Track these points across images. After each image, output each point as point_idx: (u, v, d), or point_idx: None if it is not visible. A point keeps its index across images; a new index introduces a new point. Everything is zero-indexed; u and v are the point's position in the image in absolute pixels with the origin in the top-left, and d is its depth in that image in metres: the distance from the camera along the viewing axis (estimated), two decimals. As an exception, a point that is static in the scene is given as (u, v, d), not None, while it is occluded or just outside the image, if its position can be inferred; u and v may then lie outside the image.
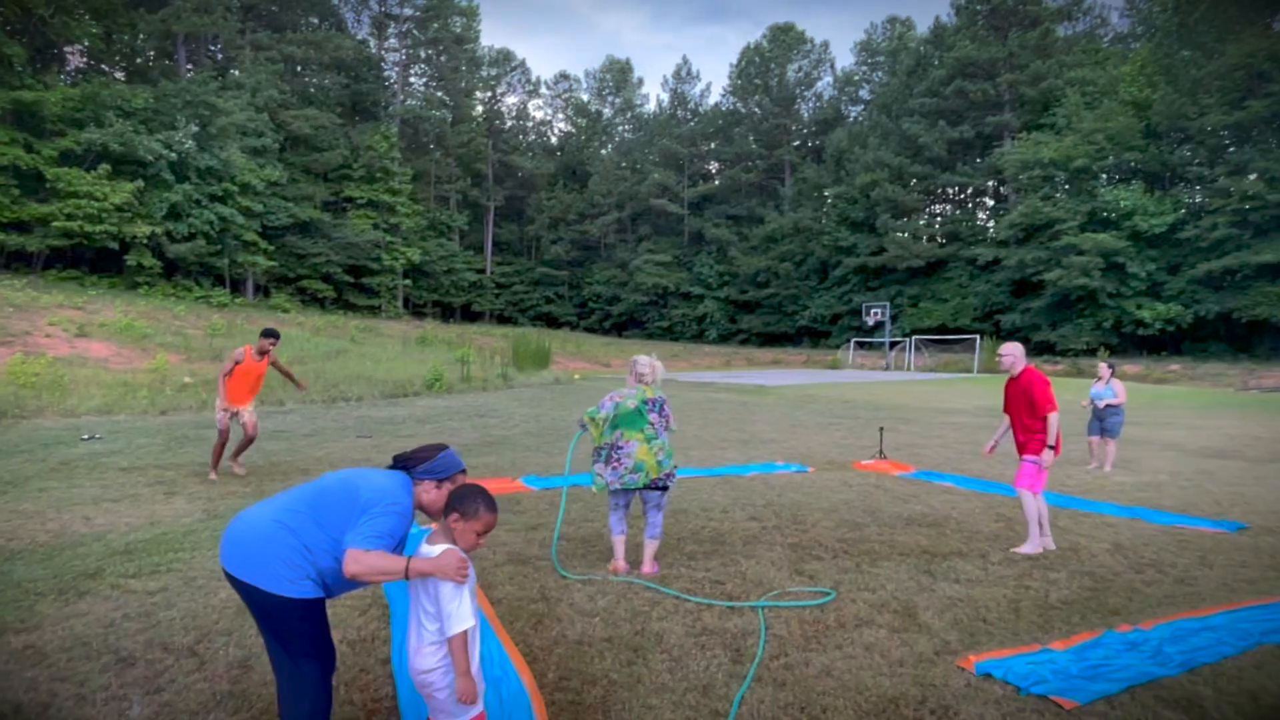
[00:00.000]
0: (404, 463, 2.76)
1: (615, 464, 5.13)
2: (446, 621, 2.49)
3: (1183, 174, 38.38)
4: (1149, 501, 7.99)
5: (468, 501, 2.65)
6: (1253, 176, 34.15)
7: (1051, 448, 5.92)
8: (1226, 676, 3.72)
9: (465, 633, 2.50)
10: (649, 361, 5.36)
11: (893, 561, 5.59)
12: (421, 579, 2.55)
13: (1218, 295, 34.83)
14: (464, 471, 2.83)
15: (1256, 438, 14.00)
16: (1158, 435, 14.09)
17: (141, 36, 38.79)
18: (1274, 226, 33.46)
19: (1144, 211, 36.33)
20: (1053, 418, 5.88)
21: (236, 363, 8.34)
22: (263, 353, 8.47)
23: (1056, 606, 4.70)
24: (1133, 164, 39.00)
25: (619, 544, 5.26)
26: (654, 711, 3.27)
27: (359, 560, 2.45)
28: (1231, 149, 36.87)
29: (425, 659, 2.54)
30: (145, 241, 31.82)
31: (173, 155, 31.53)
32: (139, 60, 40.76)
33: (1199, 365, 33.56)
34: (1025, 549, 5.91)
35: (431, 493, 2.73)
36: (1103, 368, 10.57)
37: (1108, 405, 10.14)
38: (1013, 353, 6.16)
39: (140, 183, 30.52)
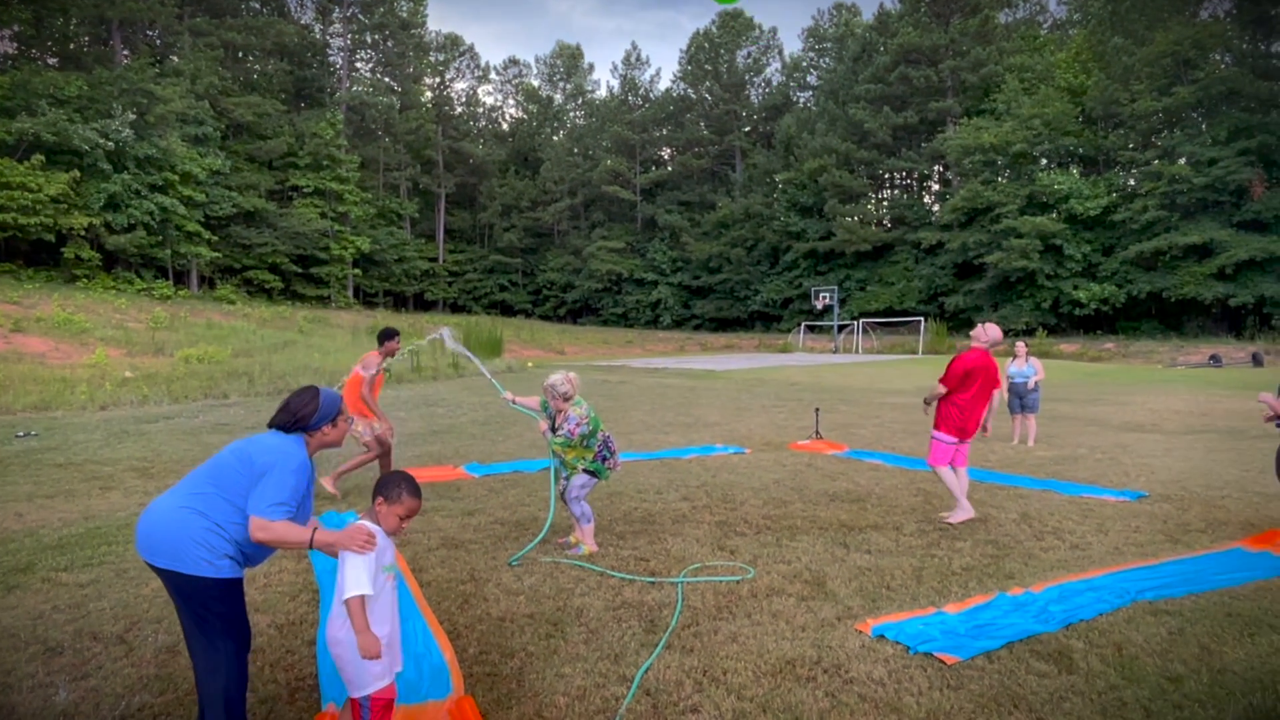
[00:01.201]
0: (295, 422, 2.87)
1: (615, 452, 5.59)
2: (343, 585, 2.65)
3: (1116, 158, 39.66)
4: (1063, 474, 8.43)
5: (391, 486, 2.82)
6: (1181, 160, 35.47)
7: (927, 402, 6.44)
8: (1099, 630, 4.06)
9: (362, 597, 2.64)
10: (564, 377, 5.47)
11: (811, 535, 5.88)
12: (326, 549, 2.70)
13: (1149, 275, 36.16)
14: (341, 398, 3.01)
15: (1176, 411, 14.71)
16: (1084, 411, 14.71)
17: (74, 22, 37.54)
18: (1200, 209, 34.85)
19: (1079, 195, 37.50)
20: (939, 388, 6.30)
21: (378, 373, 7.34)
22: (389, 354, 7.46)
23: (956, 573, 5.01)
24: (1069, 148, 40.18)
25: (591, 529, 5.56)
26: (566, 680, 3.48)
27: (266, 529, 2.60)
28: (1162, 134, 38.20)
29: (335, 630, 2.70)
30: (83, 233, 30.99)
31: (110, 144, 30.70)
32: (72, 46, 39.43)
33: (1131, 343, 34.91)
34: (957, 516, 6.28)
35: (331, 433, 2.93)
36: (1019, 346, 11.09)
37: (1029, 383, 10.60)
38: (983, 336, 6.53)
39: (76, 173, 29.67)
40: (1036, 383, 10.66)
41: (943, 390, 6.28)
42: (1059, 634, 4.00)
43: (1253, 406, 14.83)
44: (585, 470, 5.47)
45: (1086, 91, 39.83)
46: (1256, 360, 27.89)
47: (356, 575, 2.64)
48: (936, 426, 6.35)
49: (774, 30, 63.43)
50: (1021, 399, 10.66)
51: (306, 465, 2.81)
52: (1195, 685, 3.44)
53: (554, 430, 5.47)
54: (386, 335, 7.45)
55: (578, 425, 5.33)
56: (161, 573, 2.66)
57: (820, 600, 4.50)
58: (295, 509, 2.71)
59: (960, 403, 6.29)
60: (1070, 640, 3.93)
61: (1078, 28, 46.73)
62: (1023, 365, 10.76)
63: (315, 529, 2.67)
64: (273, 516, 2.62)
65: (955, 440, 6.30)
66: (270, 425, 2.90)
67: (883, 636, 3.97)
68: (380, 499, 2.81)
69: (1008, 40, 47.01)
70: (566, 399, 5.41)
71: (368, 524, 2.76)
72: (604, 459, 5.51)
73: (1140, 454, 9.77)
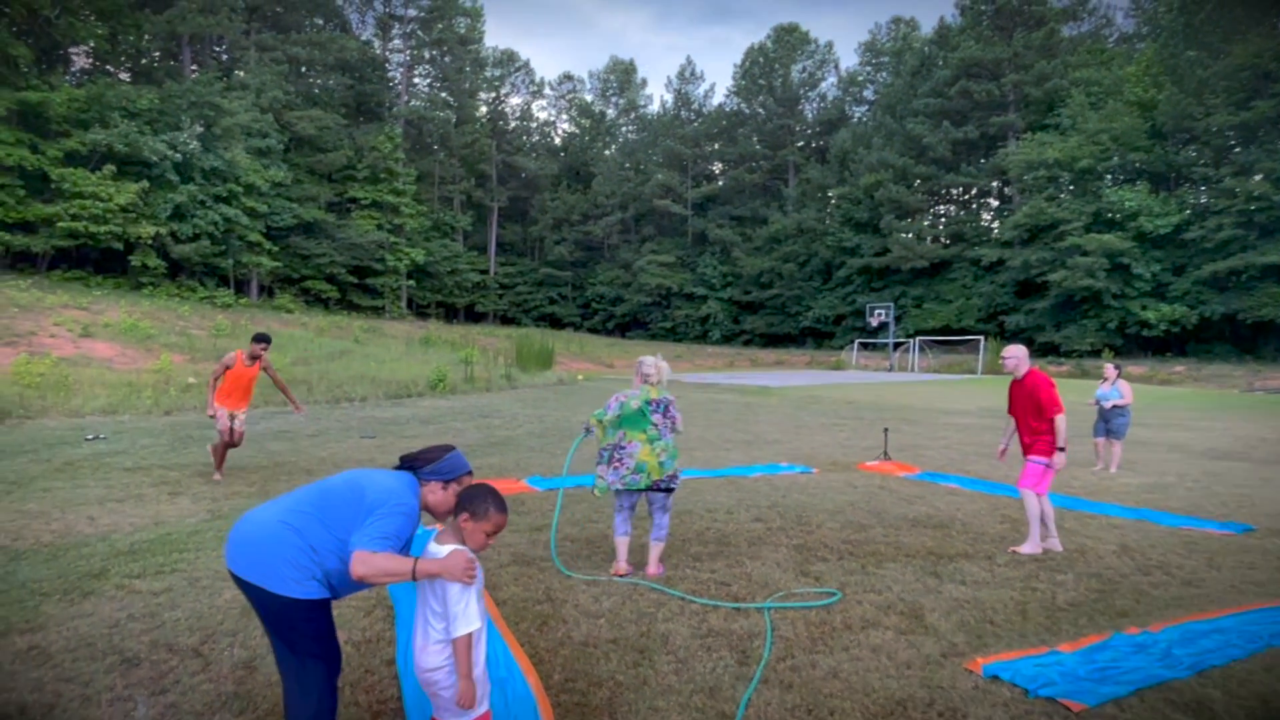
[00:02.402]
0: (410, 464, 2.75)
1: (617, 465, 5.12)
2: (453, 622, 2.49)
3: (1188, 175, 38.28)
4: (1155, 503, 7.96)
5: (477, 501, 2.64)
6: (1258, 177, 34.06)
7: (1062, 449, 5.90)
8: (1236, 679, 3.70)
9: (470, 634, 2.49)
10: (654, 361, 5.31)
11: (898, 563, 5.57)
12: (429, 579, 2.54)
13: (1223, 296, 34.72)
14: (470, 473, 2.81)
15: (1263, 439, 13.95)
16: (1163, 437, 14.04)
17: (146, 37, 38.82)
18: (1279, 228, 33.36)
19: (1149, 212, 36.23)
20: (1060, 419, 5.86)
21: (227, 367, 8.24)
22: (254, 358, 8.33)
23: (1063, 608, 4.67)
24: (1138, 165, 38.89)
25: (622, 545, 5.25)
26: (660, 713, 3.26)
27: (366, 562, 2.44)
28: (1237, 150, 36.76)
29: (431, 657, 2.54)
30: (150, 242, 31.88)
31: (177, 156, 31.58)
32: (144, 61, 40.80)
33: (1204, 366, 33.46)
34: (1025, 548, 5.89)
35: (438, 494, 2.72)
36: (1109, 369, 10.55)
37: (1114, 406, 10.09)
38: (1016, 355, 6.14)
39: (145, 183, 30.56)
40: (1123, 406, 10.13)
41: (1064, 416, 5.90)
42: (1192, 682, 3.66)
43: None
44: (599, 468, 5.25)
45: (1157, 106, 38.51)
46: (1341, 386, 26.49)
47: (466, 609, 2.47)
48: (1040, 451, 5.97)
49: (830, 44, 62.79)
50: (1108, 423, 10.15)
51: (415, 511, 2.67)
52: (1362, 748, 3.07)
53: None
54: (256, 339, 8.40)
55: (616, 399, 5.17)
56: (247, 586, 2.54)
57: (920, 634, 4.20)
58: (398, 550, 2.57)
59: (1043, 426, 5.98)
60: (1206, 689, 3.59)
61: (1147, 41, 45.33)
62: (1109, 388, 10.26)
63: (416, 561, 2.50)
64: (375, 549, 2.48)
65: (1051, 462, 5.95)
66: (401, 465, 2.79)
67: (996, 677, 3.67)
68: (466, 514, 2.64)
69: (1073, 54, 45.82)
70: (645, 379, 5.25)
71: (467, 550, 2.58)
72: (607, 460, 5.17)
73: (1234, 483, 9.21)
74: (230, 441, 8.33)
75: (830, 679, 3.62)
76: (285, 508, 2.61)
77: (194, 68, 39.60)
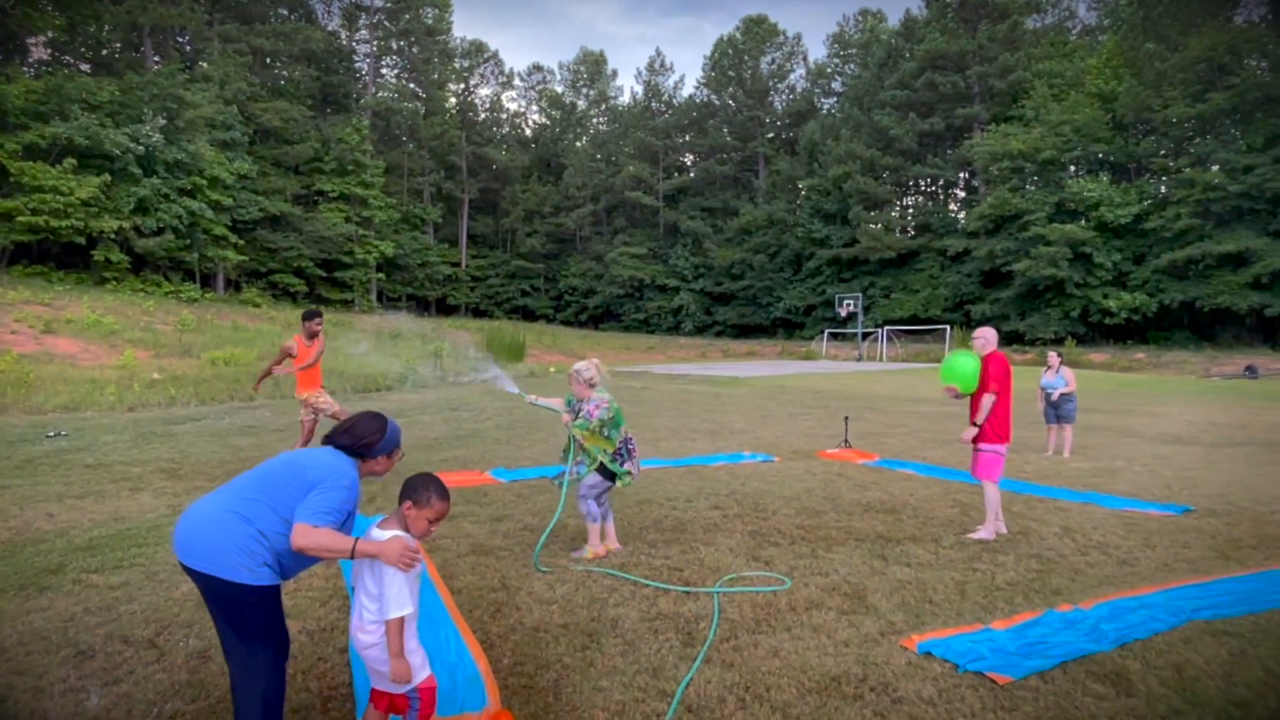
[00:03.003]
0: (354, 446, 2.83)
1: (634, 456, 5.48)
2: (385, 605, 2.58)
3: (1147, 165, 39.10)
4: (1102, 486, 8.22)
5: (420, 490, 2.73)
6: (1215, 168, 34.89)
7: (976, 425, 6.07)
8: (1155, 650, 3.90)
9: (403, 618, 2.58)
10: (591, 364, 5.45)
11: (847, 547, 5.74)
12: (368, 560, 2.63)
13: (1181, 285, 35.55)
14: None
15: (1213, 423, 14.37)
16: (1119, 422, 14.42)
17: (106, 28, 38.13)
18: (1235, 217, 34.22)
19: (1110, 202, 36.96)
20: (987, 398, 6.02)
21: (288, 354, 8.29)
22: (311, 335, 8.33)
23: (1001, 588, 4.86)
24: (1099, 155, 39.65)
25: (611, 528, 5.54)
26: (604, 693, 3.38)
27: (307, 535, 2.53)
28: (1195, 141, 37.57)
29: (364, 635, 2.64)
30: (113, 236, 31.38)
31: (140, 149, 31.08)
32: (104, 52, 40.05)
33: (1163, 353, 34.29)
34: (982, 534, 6.07)
35: (383, 464, 2.88)
36: (1052, 357, 10.86)
37: (1061, 394, 10.40)
38: (984, 336, 6.32)
39: (107, 177, 30.03)
40: (1069, 393, 10.43)
41: (994, 396, 6.01)
42: (1114, 654, 3.85)
43: (1294, 419, 14.47)
44: (601, 470, 5.36)
45: (1117, 98, 39.26)
46: (1293, 372, 27.28)
47: (400, 594, 2.57)
48: (987, 439, 6.10)
49: (798, 36, 63.04)
50: (1057, 409, 10.43)
51: (357, 485, 2.77)
52: (1263, 711, 3.28)
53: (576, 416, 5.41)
54: (307, 316, 8.48)
55: (597, 407, 5.26)
56: (198, 576, 2.60)
57: (861, 614, 4.36)
58: (340, 523, 2.65)
59: (1005, 407, 6.11)
60: (1126, 661, 3.77)
61: (1108, 33, 46.12)
62: (1054, 376, 10.56)
63: (356, 541, 2.60)
64: (317, 523, 2.56)
65: (1005, 449, 6.13)
66: (328, 441, 2.86)
67: (930, 654, 3.83)
68: (409, 503, 2.73)
69: (1036, 46, 46.53)
70: (590, 385, 5.36)
71: (407, 536, 2.67)
72: (622, 460, 5.38)
73: (1180, 466, 9.52)
74: (310, 434, 8.39)
75: (770, 658, 3.76)
76: (230, 496, 2.67)
77: (156, 59, 38.92)
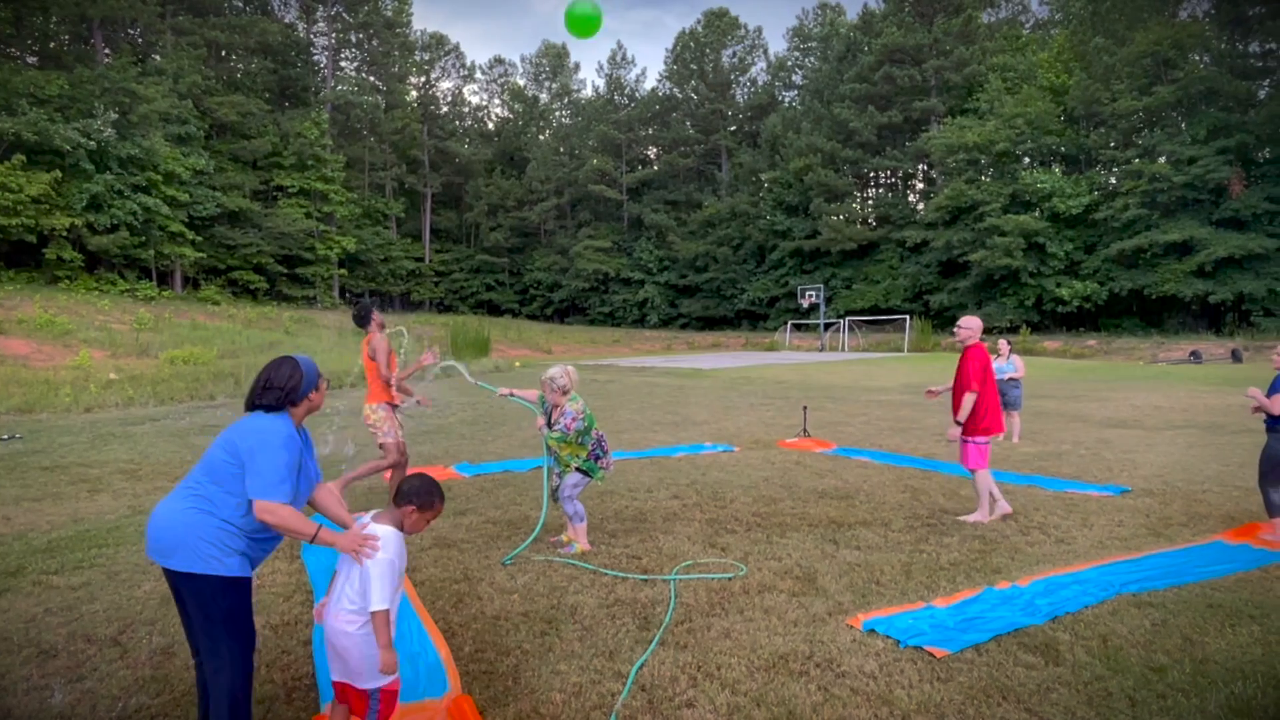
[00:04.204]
0: (285, 399, 2.86)
1: (608, 452, 5.60)
2: (368, 598, 2.67)
3: (1097, 157, 40.03)
4: (1047, 470, 8.54)
5: (424, 495, 2.88)
6: (1161, 159, 35.87)
7: (958, 423, 6.26)
8: (1084, 623, 4.14)
9: (386, 611, 2.68)
10: (564, 370, 5.51)
11: (801, 532, 5.94)
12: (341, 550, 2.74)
13: (1130, 273, 36.52)
14: (318, 373, 3.00)
15: (1157, 407, 14.88)
16: (1068, 408, 14.87)
17: (54, 20, 37.13)
18: (1180, 207, 35.25)
19: (1062, 193, 37.82)
20: (968, 397, 6.15)
21: (390, 351, 6.45)
22: (381, 328, 6.51)
23: (945, 568, 5.08)
24: (1051, 147, 40.53)
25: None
26: (561, 676, 3.52)
27: (272, 511, 2.63)
28: (1142, 133, 38.59)
29: (342, 623, 2.70)
30: (65, 234, 30.70)
31: (91, 144, 30.39)
32: (52, 45, 38.99)
33: (1113, 340, 35.27)
34: (974, 517, 6.26)
35: (315, 398, 2.94)
36: (1002, 344, 11.17)
37: (1010, 379, 10.73)
38: (969, 327, 6.44)
39: (58, 173, 29.35)
40: (1018, 379, 10.78)
41: (975, 395, 6.13)
42: (1045, 626, 4.08)
43: (1231, 402, 15.05)
44: (578, 469, 5.50)
45: (1068, 91, 40.15)
46: (1236, 356, 28.24)
47: (383, 588, 2.67)
48: (971, 432, 6.23)
49: (759, 30, 63.38)
50: (1005, 395, 10.76)
51: (294, 438, 2.80)
52: (1178, 675, 3.51)
53: (550, 426, 5.50)
54: (359, 313, 6.61)
55: (573, 420, 5.35)
56: (174, 575, 2.67)
57: (812, 596, 4.55)
58: (293, 484, 2.72)
59: (989, 401, 6.24)
60: (1056, 632, 4.00)
61: (1059, 28, 47.08)
62: (1004, 362, 10.89)
63: (320, 528, 2.70)
64: (275, 497, 2.64)
65: (989, 440, 6.30)
66: (253, 407, 2.85)
67: (874, 631, 4.03)
68: (413, 507, 2.85)
69: (990, 40, 47.36)
70: (564, 393, 5.43)
71: (379, 529, 2.77)
72: (597, 458, 5.54)
73: (1123, 449, 9.90)
74: (406, 453, 6.65)
75: (722, 639, 3.93)
76: (189, 492, 2.74)
77: (107, 52, 38.01)
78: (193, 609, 2.70)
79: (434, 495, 2.90)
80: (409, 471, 5.65)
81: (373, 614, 2.66)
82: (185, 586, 2.67)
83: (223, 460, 2.73)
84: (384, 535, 2.75)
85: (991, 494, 6.38)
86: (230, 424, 2.86)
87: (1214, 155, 33.72)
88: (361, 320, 6.51)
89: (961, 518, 6.35)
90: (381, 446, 6.45)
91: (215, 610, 2.67)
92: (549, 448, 5.56)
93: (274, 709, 3.25)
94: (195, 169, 37.24)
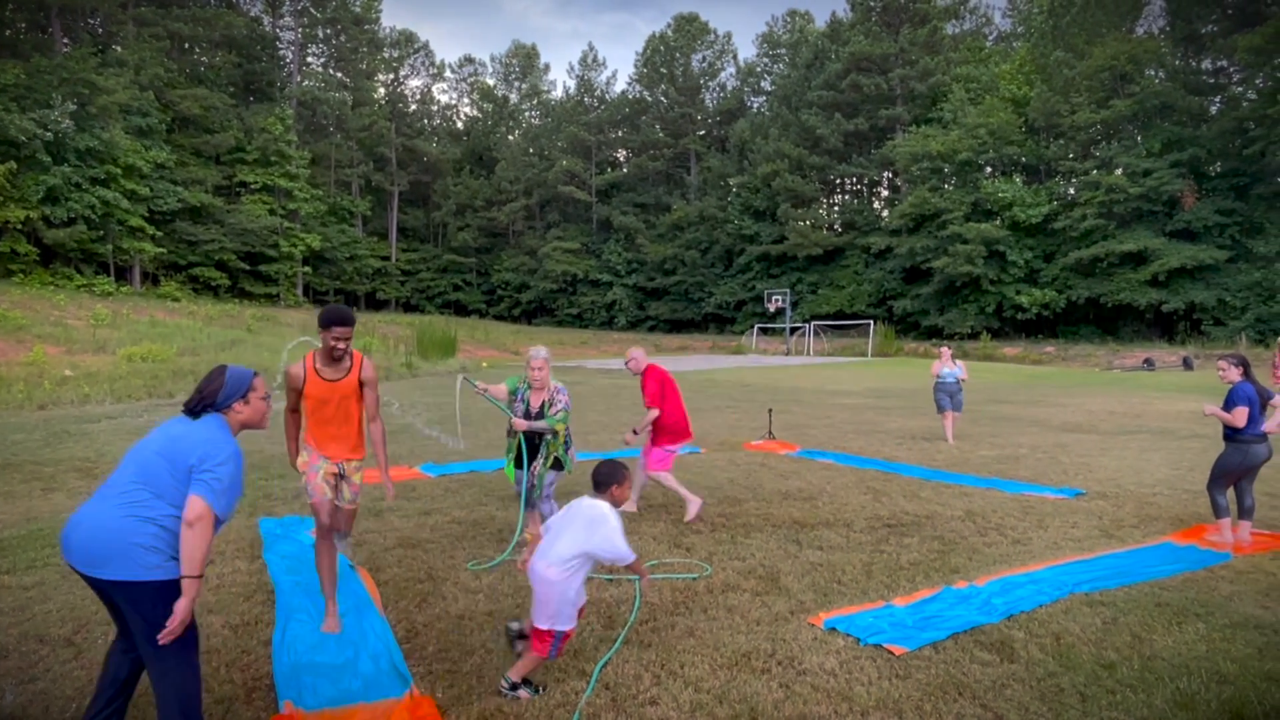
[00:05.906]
0: (204, 405, 2.86)
1: (571, 443, 5.63)
2: (622, 549, 3.40)
3: (1056, 168, 40.91)
4: (1006, 473, 8.71)
5: (619, 471, 3.66)
6: (1118, 171, 36.74)
7: (635, 432, 6.88)
8: (1038, 621, 4.25)
9: (636, 557, 3.54)
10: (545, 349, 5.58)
11: (765, 533, 6.00)
12: (590, 514, 3.49)
13: (1087, 282, 37.35)
14: (256, 374, 3.00)
15: (1111, 413, 15.25)
16: (1026, 413, 15.18)
17: (10, 7, 36.16)
18: (1135, 218, 36.16)
19: (1022, 203, 38.60)
20: (650, 412, 6.63)
21: (294, 388, 4.34)
22: (333, 356, 4.33)
23: (905, 568, 5.18)
24: (1013, 157, 41.35)
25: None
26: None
27: (203, 519, 2.61)
28: (1100, 145, 39.52)
29: (552, 571, 3.34)
30: (20, 227, 29.90)
31: (48, 135, 29.65)
32: (7, 33, 37.94)
33: (1071, 347, 36.07)
34: (691, 513, 6.44)
35: (244, 411, 2.93)
36: (944, 351, 11.82)
37: (958, 381, 11.18)
38: (635, 356, 6.96)
39: (12, 164, 28.58)
40: (963, 382, 11.29)
41: (655, 414, 6.59)
42: (1001, 625, 4.18)
43: (1182, 408, 15.49)
44: (555, 458, 5.46)
45: (1029, 102, 40.99)
46: (1187, 364, 29.02)
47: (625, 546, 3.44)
48: (658, 442, 6.62)
49: (729, 35, 63.79)
50: (952, 397, 11.12)
51: (239, 454, 2.79)
52: (1127, 671, 3.62)
53: (542, 414, 5.35)
54: (326, 322, 4.39)
55: (568, 396, 5.45)
56: (107, 584, 2.58)
57: (774, 595, 4.61)
58: (236, 496, 2.76)
59: (674, 414, 6.66)
60: (1011, 631, 4.10)
61: (1021, 41, 48.10)
62: (952, 367, 11.24)
63: (191, 578, 2.62)
64: (215, 503, 2.63)
65: (678, 448, 6.72)
66: (195, 412, 2.85)
67: (834, 629, 4.10)
68: (615, 485, 3.66)
69: (955, 51, 48.19)
70: (539, 372, 5.40)
71: (599, 503, 3.56)
72: (568, 447, 5.55)
73: (1078, 453, 10.14)
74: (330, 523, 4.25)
75: (686, 637, 3.97)
76: (121, 499, 2.65)
77: (65, 41, 37.11)
78: (132, 617, 2.62)
79: (625, 469, 3.71)
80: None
81: (631, 563, 3.48)
82: (122, 595, 2.60)
83: (161, 467, 2.68)
84: (607, 509, 3.48)
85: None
86: (159, 426, 2.84)
87: (1168, 168, 34.65)
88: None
89: (691, 518, 6.42)
90: None
91: (158, 615, 2.59)
92: (523, 447, 5.42)
93: (233, 709, 3.22)
94: (156, 162, 36.52)
